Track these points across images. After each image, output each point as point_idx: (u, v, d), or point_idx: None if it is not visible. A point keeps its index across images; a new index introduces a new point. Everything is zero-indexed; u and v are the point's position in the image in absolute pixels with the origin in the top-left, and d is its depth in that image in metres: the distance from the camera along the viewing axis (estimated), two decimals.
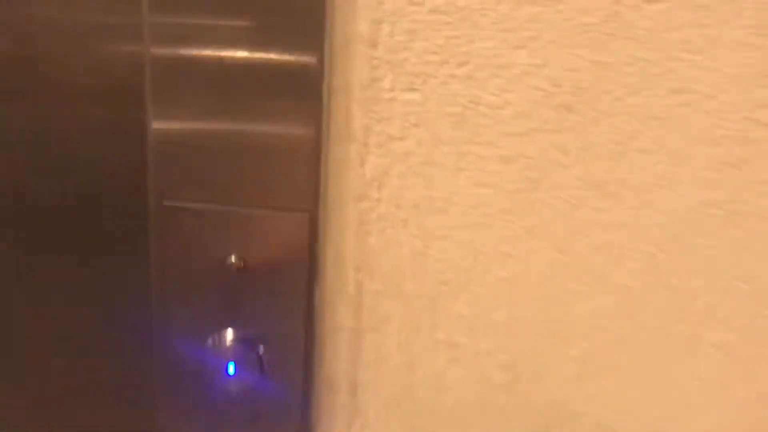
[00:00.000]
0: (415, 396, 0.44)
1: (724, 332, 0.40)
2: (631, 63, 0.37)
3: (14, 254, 0.44)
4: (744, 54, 0.36)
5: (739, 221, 0.38)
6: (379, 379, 0.44)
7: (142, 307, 0.44)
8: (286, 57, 0.38)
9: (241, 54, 0.38)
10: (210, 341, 0.43)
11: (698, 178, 0.38)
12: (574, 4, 0.36)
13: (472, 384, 0.43)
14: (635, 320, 0.41)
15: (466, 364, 0.43)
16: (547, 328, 0.42)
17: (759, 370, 0.40)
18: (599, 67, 0.37)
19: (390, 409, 0.44)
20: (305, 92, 0.39)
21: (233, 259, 0.41)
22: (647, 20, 0.36)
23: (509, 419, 0.44)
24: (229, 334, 0.43)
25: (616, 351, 0.41)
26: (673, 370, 0.41)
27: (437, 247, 0.41)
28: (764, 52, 0.35)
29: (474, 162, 0.39)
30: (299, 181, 0.40)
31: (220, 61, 0.38)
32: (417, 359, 0.43)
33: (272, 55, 0.38)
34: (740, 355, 0.40)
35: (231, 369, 0.43)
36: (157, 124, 0.40)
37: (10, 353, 0.46)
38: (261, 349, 0.43)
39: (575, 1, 0.36)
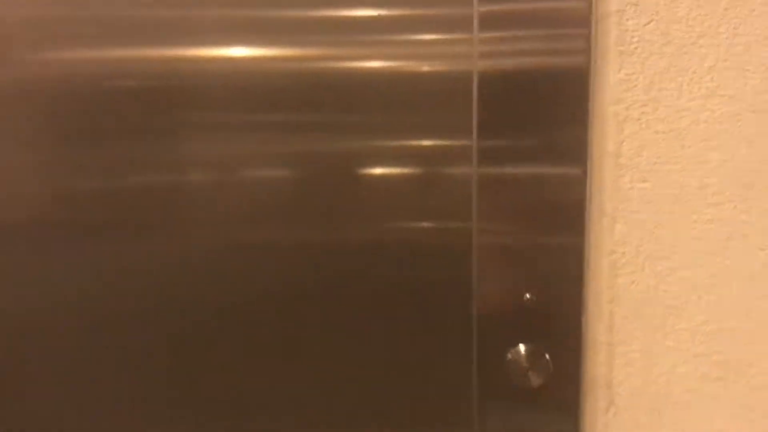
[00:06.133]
0: (653, 388, 0.64)
1: None
2: None
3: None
4: None
5: None
6: (627, 378, 0.65)
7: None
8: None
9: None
10: (512, 354, 0.65)
11: None
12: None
13: (694, 378, 0.64)
14: None
15: (690, 363, 0.63)
16: (748, 334, 0.62)
17: None
18: (766, 160, 0.59)
19: (635, 398, 0.65)
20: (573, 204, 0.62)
21: (528, 295, 0.64)
22: None
23: (723, 404, 0.64)
24: (526, 348, 0.65)
25: None
26: None
27: (665, 283, 0.63)
28: None
29: (690, 224, 0.61)
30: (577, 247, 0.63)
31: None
32: (654, 362, 0.64)
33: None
34: None
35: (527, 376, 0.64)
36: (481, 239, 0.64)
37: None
38: (547, 356, 0.64)
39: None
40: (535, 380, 0.64)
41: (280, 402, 0.68)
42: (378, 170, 0.64)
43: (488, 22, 0.61)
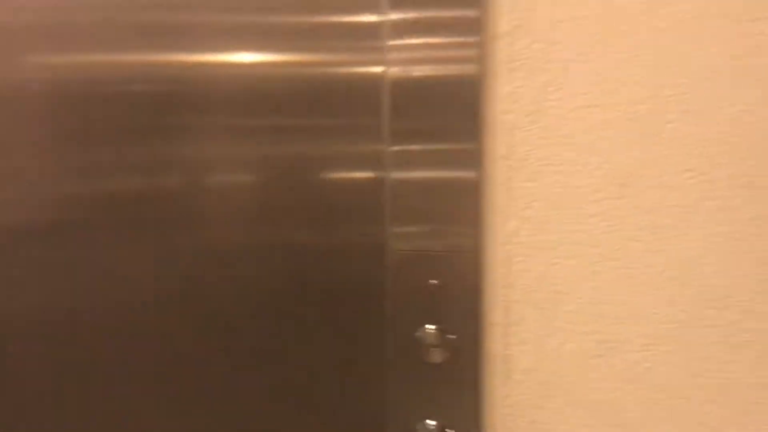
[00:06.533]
0: (544, 364, 0.73)
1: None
2: (650, 162, 0.67)
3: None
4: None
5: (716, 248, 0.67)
6: (521, 355, 0.73)
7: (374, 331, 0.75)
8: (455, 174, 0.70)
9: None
10: (420, 332, 0.73)
11: (702, 220, 0.67)
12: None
13: (579, 355, 0.72)
14: (671, 303, 0.69)
15: (576, 340, 0.72)
16: (624, 316, 0.71)
17: None
18: (639, 162, 0.68)
19: (529, 373, 0.73)
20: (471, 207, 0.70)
21: (434, 281, 0.72)
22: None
23: (604, 378, 0.72)
24: (432, 328, 0.73)
25: (663, 325, 0.70)
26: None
27: (553, 270, 0.71)
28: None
29: (573, 218, 0.70)
30: (475, 239, 0.71)
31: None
32: (543, 341, 0.73)
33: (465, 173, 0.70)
34: None
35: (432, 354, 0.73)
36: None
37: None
38: (450, 336, 0.73)
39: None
40: (441, 357, 0.73)
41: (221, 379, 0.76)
42: (307, 175, 0.72)
43: (398, 31, 0.69)
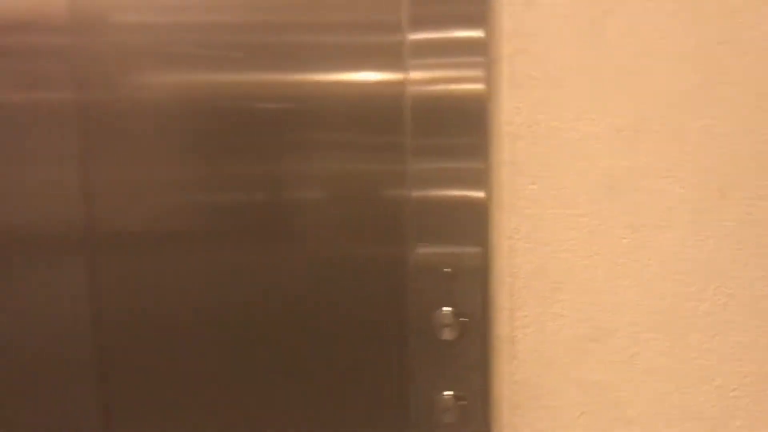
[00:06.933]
0: (545, 346, 0.83)
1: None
2: (633, 168, 0.77)
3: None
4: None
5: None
6: (525, 337, 0.84)
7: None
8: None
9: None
10: (436, 314, 0.86)
11: (679, 220, 0.76)
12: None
13: (576, 339, 0.82)
14: (655, 294, 0.78)
15: (572, 326, 0.82)
16: (615, 306, 0.80)
17: None
18: (624, 168, 0.77)
19: (532, 353, 0.84)
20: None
21: (447, 269, 0.85)
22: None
23: (598, 360, 0.81)
24: (447, 310, 0.85)
25: (648, 314, 0.78)
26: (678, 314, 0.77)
27: (551, 264, 0.82)
28: None
29: (564, 221, 0.80)
30: (483, 233, 0.83)
31: None
32: (545, 324, 0.83)
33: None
34: None
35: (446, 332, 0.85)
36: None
37: None
38: (462, 319, 0.85)
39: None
40: (454, 336, 0.85)
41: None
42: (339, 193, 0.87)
43: (416, 52, 0.82)
